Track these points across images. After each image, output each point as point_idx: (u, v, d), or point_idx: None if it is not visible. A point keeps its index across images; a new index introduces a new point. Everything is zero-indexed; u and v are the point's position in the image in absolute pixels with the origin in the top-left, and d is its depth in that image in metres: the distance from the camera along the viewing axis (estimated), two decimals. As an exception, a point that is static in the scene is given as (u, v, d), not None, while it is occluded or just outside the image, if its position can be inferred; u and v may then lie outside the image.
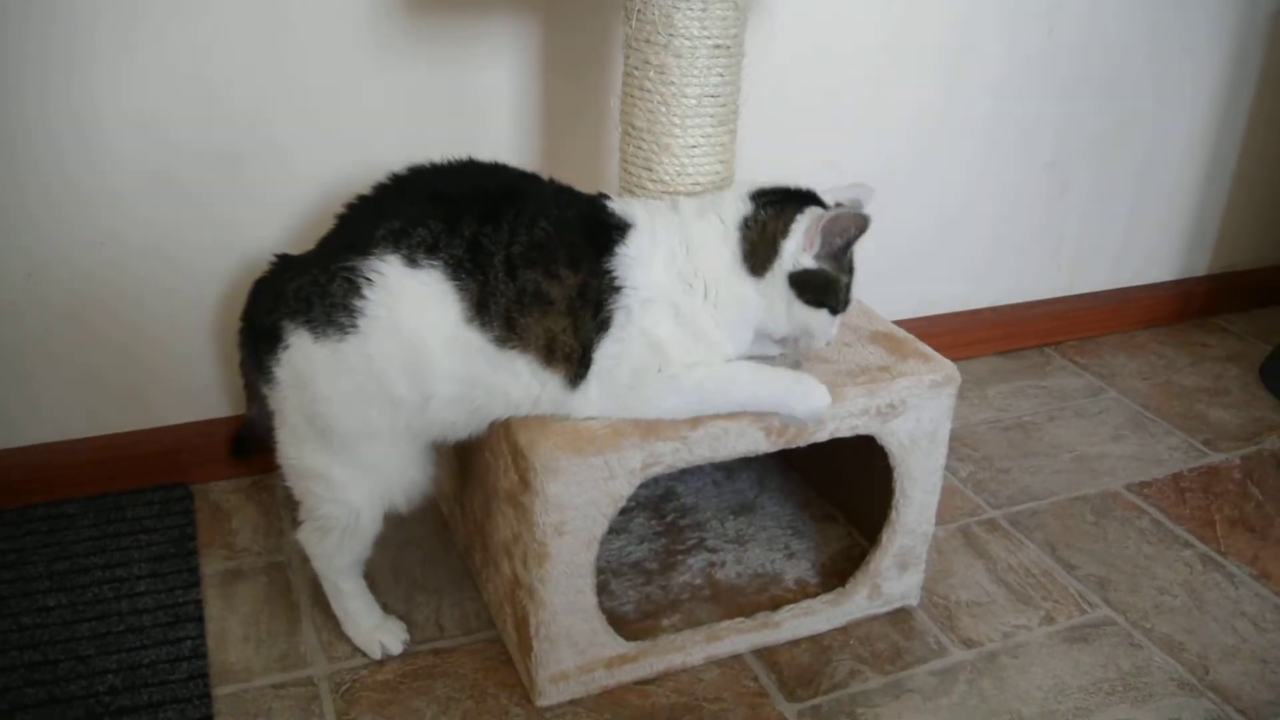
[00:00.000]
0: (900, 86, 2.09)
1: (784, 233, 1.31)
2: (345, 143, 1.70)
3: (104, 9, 1.51)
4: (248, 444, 1.60)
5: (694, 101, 1.40)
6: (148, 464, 1.77)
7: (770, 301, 1.33)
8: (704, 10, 1.36)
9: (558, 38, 1.76)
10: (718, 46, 1.38)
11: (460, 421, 1.34)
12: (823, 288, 1.32)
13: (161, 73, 1.57)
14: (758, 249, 1.32)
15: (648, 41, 1.39)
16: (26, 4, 1.48)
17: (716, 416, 1.33)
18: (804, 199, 1.35)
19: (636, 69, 1.42)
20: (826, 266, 1.32)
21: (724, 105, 1.43)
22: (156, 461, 1.77)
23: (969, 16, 2.08)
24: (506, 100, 1.77)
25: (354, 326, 1.26)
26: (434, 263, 1.24)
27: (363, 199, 1.35)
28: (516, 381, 1.28)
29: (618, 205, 1.33)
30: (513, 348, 1.26)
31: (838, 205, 1.35)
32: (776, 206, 1.33)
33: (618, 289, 1.26)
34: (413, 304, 1.24)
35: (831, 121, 2.05)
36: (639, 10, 1.39)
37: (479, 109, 1.76)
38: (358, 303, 1.25)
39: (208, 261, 1.70)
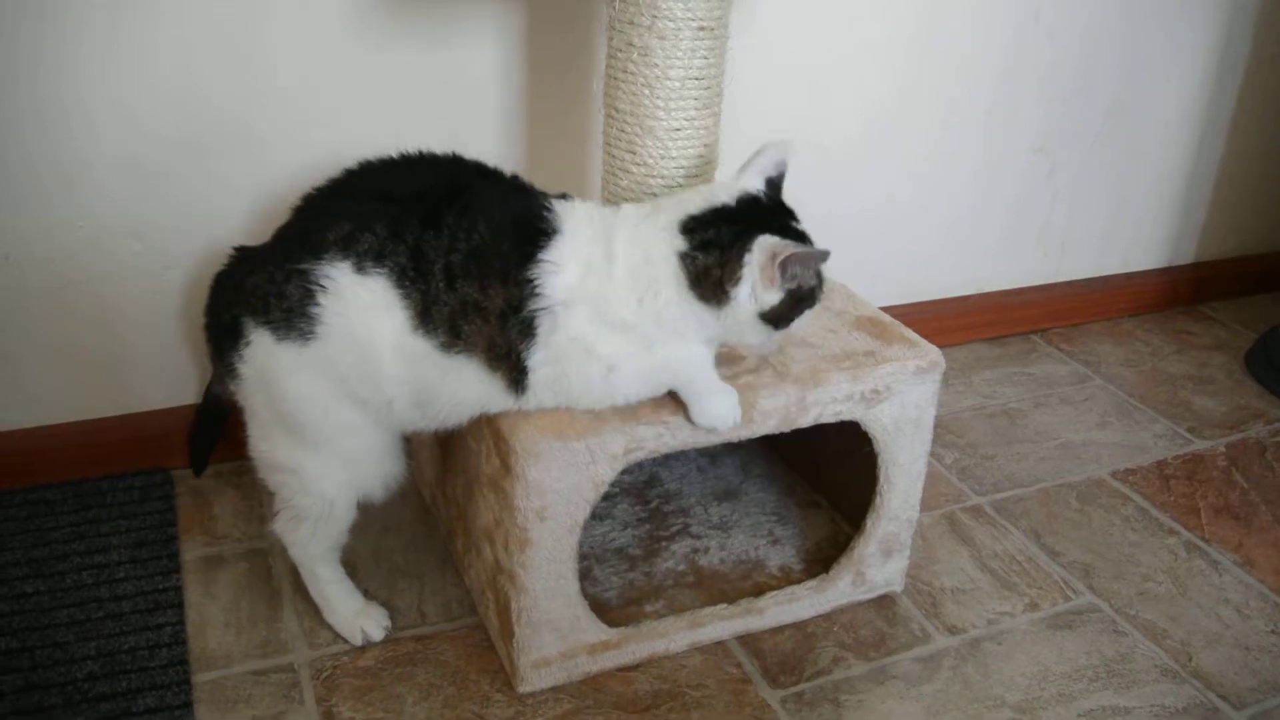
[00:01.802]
0: (887, 72, 2.08)
1: (732, 279, 1.23)
2: (324, 128, 1.68)
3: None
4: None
5: (677, 84, 1.39)
6: (128, 449, 1.76)
7: (740, 328, 1.27)
8: (689, -9, 1.35)
9: (541, 20, 1.74)
10: (702, 28, 1.37)
11: (426, 423, 1.34)
12: (796, 305, 1.26)
13: (141, 57, 1.56)
14: (703, 284, 1.24)
15: (631, 23, 1.38)
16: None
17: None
18: (743, 225, 1.25)
19: (620, 51, 1.41)
20: (792, 288, 1.24)
21: (708, 88, 1.42)
22: (137, 447, 1.76)
23: (956, 4, 2.07)
24: (489, 84, 1.76)
25: (313, 333, 1.26)
26: (380, 270, 1.23)
27: (317, 194, 1.34)
28: (467, 387, 1.27)
29: (560, 208, 1.28)
30: (459, 353, 1.25)
31: (767, 190, 1.30)
32: (717, 250, 1.24)
33: (537, 295, 1.22)
34: (364, 312, 1.24)
35: (817, 106, 2.04)
36: (622, -9, 1.38)
37: (461, 93, 1.75)
38: (314, 310, 1.25)
39: (186, 246, 1.69)
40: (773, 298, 1.24)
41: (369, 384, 1.28)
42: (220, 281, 1.39)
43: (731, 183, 1.31)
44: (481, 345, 1.24)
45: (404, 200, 1.26)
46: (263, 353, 1.29)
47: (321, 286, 1.24)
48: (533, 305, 1.22)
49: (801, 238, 1.28)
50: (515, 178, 1.34)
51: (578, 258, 1.24)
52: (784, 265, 1.21)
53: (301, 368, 1.28)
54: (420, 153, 1.34)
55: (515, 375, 1.25)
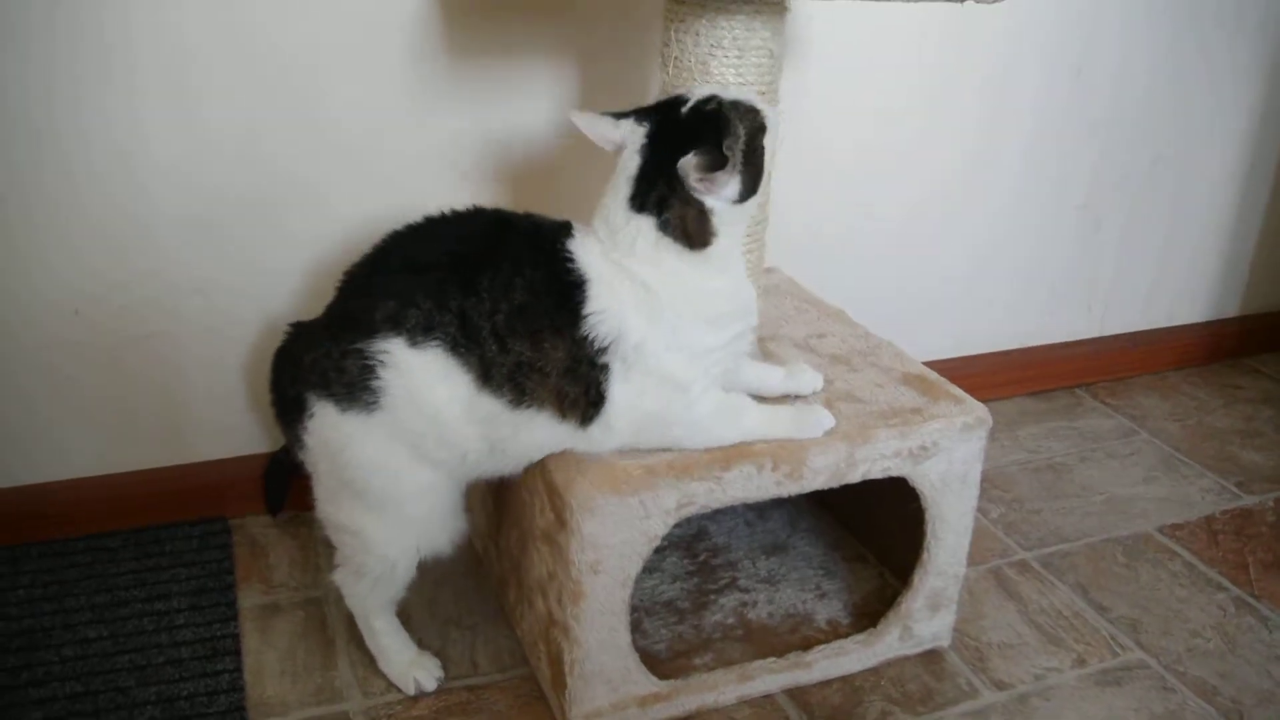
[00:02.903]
0: (933, 131, 2.10)
1: (704, 211, 1.27)
2: (381, 185, 1.73)
3: (146, 58, 1.55)
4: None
5: (730, 148, 1.42)
6: (187, 498, 1.79)
7: (735, 224, 1.30)
8: (740, 58, 1.39)
9: (595, 83, 1.79)
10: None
11: (503, 468, 1.37)
12: (753, 163, 1.28)
13: (202, 118, 1.61)
14: (693, 236, 1.27)
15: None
16: (71, 55, 1.52)
17: (746, 459, 1.34)
18: (671, 156, 1.26)
19: (673, 115, 1.44)
20: (744, 167, 1.27)
21: (759, 151, 1.45)
22: (196, 496, 1.80)
23: (1000, 61, 2.10)
24: (544, 141, 1.80)
25: (377, 404, 1.29)
26: (433, 342, 1.26)
27: (355, 272, 1.37)
28: (541, 433, 1.31)
29: (577, 251, 1.30)
30: (528, 407, 1.28)
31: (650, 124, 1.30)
32: (675, 199, 1.26)
33: (604, 348, 1.26)
34: (425, 380, 1.27)
35: (866, 165, 2.07)
36: (676, 58, 1.42)
37: (516, 151, 1.79)
38: (375, 383, 1.28)
39: (245, 301, 1.73)
40: (735, 189, 1.27)
41: (444, 444, 1.31)
42: (280, 358, 1.44)
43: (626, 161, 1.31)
44: (549, 398, 1.28)
45: (438, 267, 1.29)
46: (328, 424, 1.33)
47: (380, 361, 1.27)
48: (601, 355, 1.26)
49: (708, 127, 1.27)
50: (530, 218, 1.36)
51: (619, 297, 1.27)
52: (701, 177, 1.24)
53: (369, 435, 1.31)
54: (443, 214, 1.36)
55: (588, 410, 1.29)
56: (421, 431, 1.30)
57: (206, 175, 1.64)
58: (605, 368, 1.27)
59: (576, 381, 1.27)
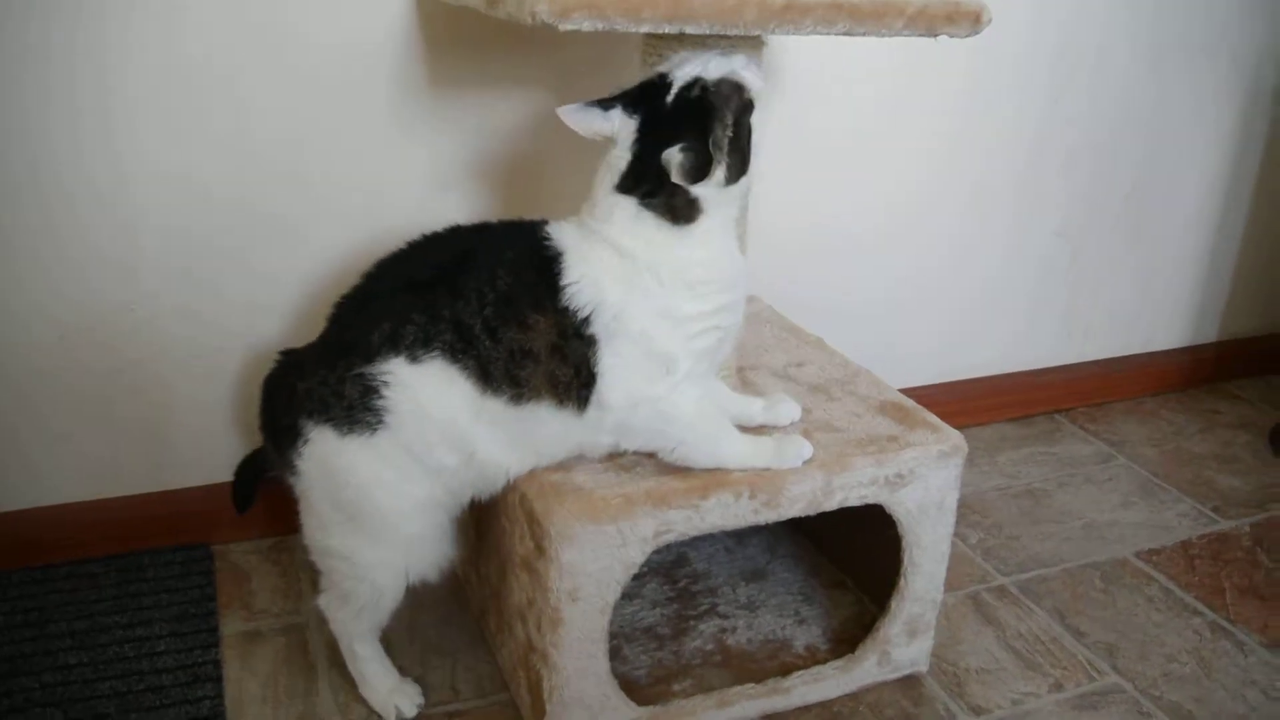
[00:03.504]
0: (907, 157, 2.13)
1: (692, 198, 1.29)
2: (373, 206, 1.75)
3: (145, 81, 1.57)
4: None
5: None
6: (169, 524, 1.80)
7: (726, 202, 1.31)
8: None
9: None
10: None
11: (514, 464, 1.37)
12: (744, 151, 1.29)
13: (196, 136, 1.62)
14: (678, 216, 1.29)
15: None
16: (70, 85, 1.53)
17: (724, 487, 1.35)
18: (659, 149, 1.27)
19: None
20: (731, 151, 1.28)
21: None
22: (178, 522, 1.80)
23: (975, 90, 2.13)
24: (526, 169, 1.82)
25: (382, 423, 1.30)
26: (433, 354, 1.28)
27: (346, 302, 1.38)
28: (545, 429, 1.32)
29: (552, 230, 1.33)
30: (527, 401, 1.30)
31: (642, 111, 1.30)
32: (663, 190, 1.28)
33: (585, 318, 1.28)
34: (432, 393, 1.29)
35: (840, 190, 2.09)
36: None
37: (500, 179, 1.81)
38: (379, 402, 1.30)
39: (229, 327, 1.74)
40: (719, 173, 1.28)
41: (454, 446, 1.32)
42: (272, 386, 1.44)
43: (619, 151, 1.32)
44: (544, 386, 1.29)
45: (428, 282, 1.31)
46: (326, 448, 1.33)
47: (384, 382, 1.29)
48: (585, 326, 1.28)
49: (688, 111, 1.28)
50: (505, 220, 1.39)
51: (597, 265, 1.29)
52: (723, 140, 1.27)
53: (370, 455, 1.32)
54: (425, 235, 1.38)
55: (582, 390, 1.30)
56: (431, 440, 1.31)
57: (191, 199, 1.65)
58: (591, 341, 1.28)
59: (565, 362, 1.29)
